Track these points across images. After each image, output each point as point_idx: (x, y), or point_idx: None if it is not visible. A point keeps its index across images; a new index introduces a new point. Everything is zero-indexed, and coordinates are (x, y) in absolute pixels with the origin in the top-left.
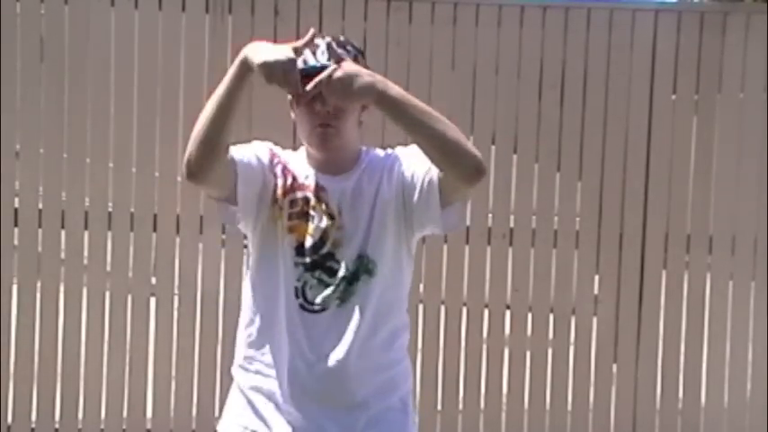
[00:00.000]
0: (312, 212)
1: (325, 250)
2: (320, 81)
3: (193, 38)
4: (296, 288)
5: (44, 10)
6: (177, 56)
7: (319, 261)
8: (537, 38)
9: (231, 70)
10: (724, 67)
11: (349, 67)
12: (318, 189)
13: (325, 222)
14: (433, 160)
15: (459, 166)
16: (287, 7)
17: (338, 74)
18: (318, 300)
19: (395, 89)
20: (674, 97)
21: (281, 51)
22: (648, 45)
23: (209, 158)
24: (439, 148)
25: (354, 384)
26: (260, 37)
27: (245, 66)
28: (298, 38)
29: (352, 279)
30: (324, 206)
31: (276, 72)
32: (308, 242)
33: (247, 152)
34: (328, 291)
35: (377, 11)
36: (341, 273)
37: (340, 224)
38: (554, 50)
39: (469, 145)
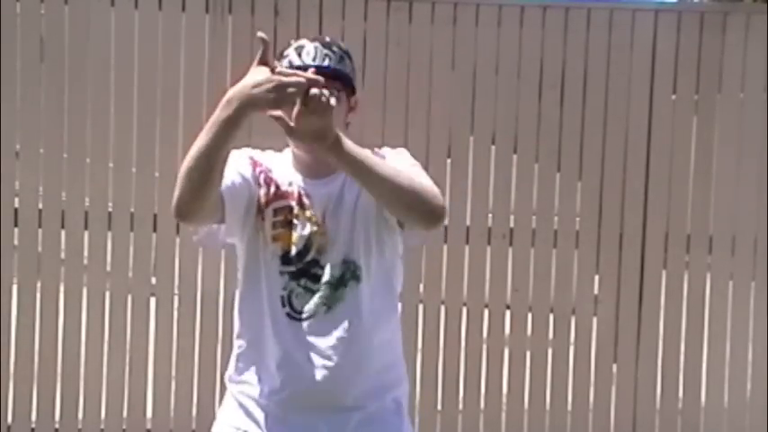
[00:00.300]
0: (295, 221)
1: (309, 257)
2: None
3: (193, 38)
4: (282, 297)
5: (44, 10)
6: (177, 56)
7: (304, 269)
8: (537, 38)
9: (222, 115)
10: (724, 67)
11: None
12: (301, 196)
13: (308, 230)
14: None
15: (411, 219)
16: (287, 7)
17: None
18: (305, 308)
19: (350, 144)
20: (674, 97)
21: (265, 80)
22: (648, 45)
23: (201, 201)
24: (391, 204)
25: (346, 390)
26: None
27: (242, 110)
28: (297, 38)
29: (337, 285)
30: (307, 213)
31: (285, 98)
32: (293, 251)
33: (230, 174)
34: (314, 298)
35: (377, 11)
36: (324, 278)
37: (323, 230)
38: (554, 50)
39: (427, 195)
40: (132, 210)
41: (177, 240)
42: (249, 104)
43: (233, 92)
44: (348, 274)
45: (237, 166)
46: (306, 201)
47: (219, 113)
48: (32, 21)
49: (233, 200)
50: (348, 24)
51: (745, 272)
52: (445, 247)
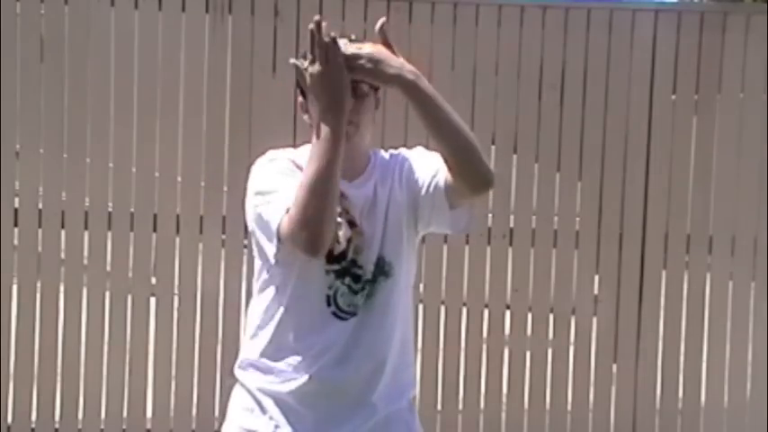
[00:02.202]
0: (339, 219)
1: (350, 257)
2: (353, 54)
3: (193, 38)
4: (328, 296)
5: (44, 10)
6: (177, 56)
7: (347, 267)
8: (537, 38)
9: (325, 145)
10: (724, 67)
11: (382, 51)
12: (340, 198)
13: (348, 230)
14: (447, 161)
15: (470, 174)
16: (287, 7)
17: (368, 50)
18: (350, 307)
19: (425, 83)
20: (674, 97)
21: (322, 72)
22: (648, 45)
23: (331, 220)
24: (456, 150)
25: (373, 386)
26: (260, 37)
27: (338, 132)
28: (297, 38)
29: (372, 281)
30: (345, 214)
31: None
32: (337, 250)
33: (292, 184)
34: (358, 297)
35: (377, 11)
36: (364, 277)
37: (360, 231)
38: (554, 50)
39: (484, 156)
40: (132, 210)
41: (177, 240)
42: (336, 105)
43: (322, 112)
44: (378, 270)
45: (291, 174)
46: (344, 201)
47: (321, 146)
48: (32, 21)
49: None
50: (348, 24)
51: (745, 272)
52: (445, 247)
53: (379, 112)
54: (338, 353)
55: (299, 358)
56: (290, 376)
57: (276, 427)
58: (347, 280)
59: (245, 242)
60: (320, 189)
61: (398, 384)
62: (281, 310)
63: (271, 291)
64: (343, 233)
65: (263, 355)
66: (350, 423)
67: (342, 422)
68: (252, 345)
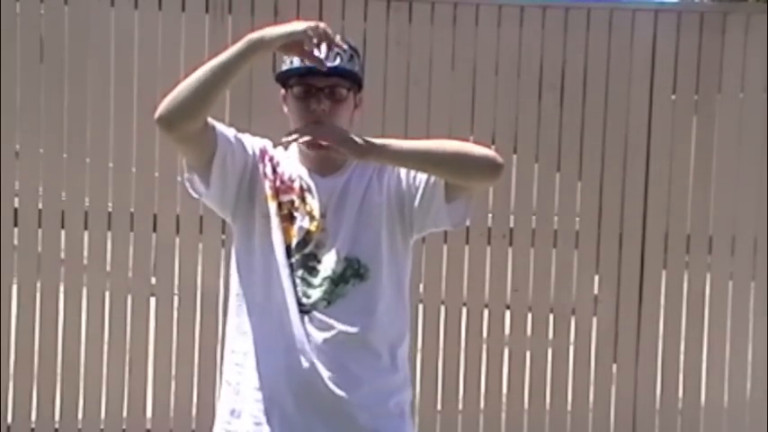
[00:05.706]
0: (296, 214)
1: (307, 250)
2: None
3: (193, 38)
4: (286, 287)
5: (44, 10)
6: (177, 56)
7: (302, 261)
8: (537, 38)
9: (236, 46)
10: (724, 67)
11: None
12: (303, 190)
13: (307, 223)
14: (452, 182)
15: (475, 178)
16: (287, 7)
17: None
18: (305, 300)
19: (391, 147)
20: (674, 97)
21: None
22: (648, 45)
23: (184, 120)
24: (453, 173)
25: (343, 388)
26: None
27: (257, 43)
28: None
29: (338, 281)
30: (307, 207)
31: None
32: (293, 243)
33: (239, 138)
34: (315, 292)
35: (377, 11)
36: (323, 273)
37: (324, 225)
38: (554, 50)
39: (477, 151)
40: (132, 210)
41: (177, 240)
42: (265, 35)
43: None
44: (350, 271)
45: (252, 140)
46: (307, 195)
47: (234, 47)
48: (32, 21)
49: (224, 156)
50: (348, 24)
51: (745, 272)
52: (445, 247)
53: (380, 112)
54: (303, 348)
55: (271, 352)
56: (264, 371)
57: (256, 425)
58: (301, 272)
59: (223, 237)
60: (201, 75)
61: (383, 387)
62: (252, 301)
63: (238, 283)
64: (296, 227)
65: (241, 348)
66: (330, 427)
67: (321, 425)
68: (230, 340)
